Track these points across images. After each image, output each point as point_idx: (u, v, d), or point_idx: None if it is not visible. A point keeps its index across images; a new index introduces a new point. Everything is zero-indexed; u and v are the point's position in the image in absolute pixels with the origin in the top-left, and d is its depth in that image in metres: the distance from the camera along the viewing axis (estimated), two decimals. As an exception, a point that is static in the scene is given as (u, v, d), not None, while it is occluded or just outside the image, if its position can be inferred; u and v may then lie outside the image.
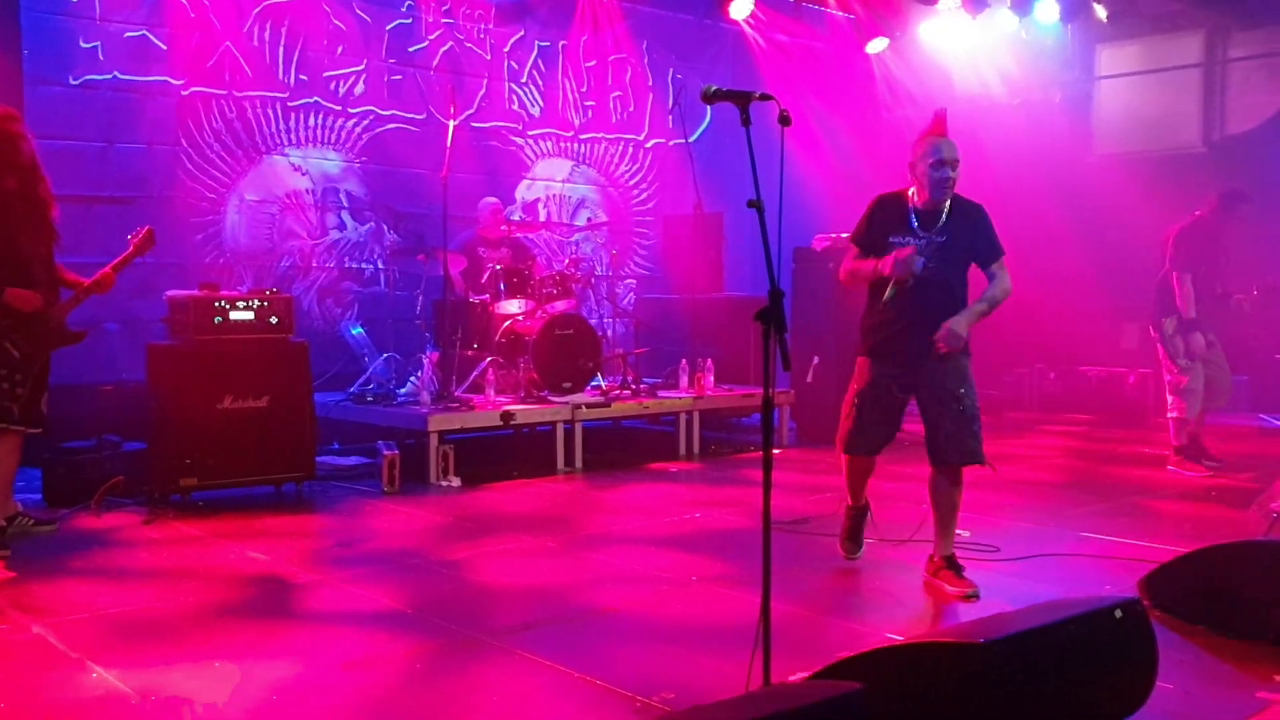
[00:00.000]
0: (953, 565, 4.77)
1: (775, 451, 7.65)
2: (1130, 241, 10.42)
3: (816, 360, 9.18)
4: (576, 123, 11.15)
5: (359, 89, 9.57)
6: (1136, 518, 6.21)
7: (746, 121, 3.21)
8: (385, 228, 9.65)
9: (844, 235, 9.32)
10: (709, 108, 9.77)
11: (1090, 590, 4.72)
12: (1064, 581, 4.89)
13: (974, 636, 2.88)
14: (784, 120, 3.19)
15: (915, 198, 4.91)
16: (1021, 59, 11.63)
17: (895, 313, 4.82)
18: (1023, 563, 5.18)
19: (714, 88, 3.32)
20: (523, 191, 10.78)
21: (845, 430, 5.03)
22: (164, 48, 8.45)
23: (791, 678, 3.25)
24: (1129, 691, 3.27)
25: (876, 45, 11.87)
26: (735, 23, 11.30)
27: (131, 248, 5.79)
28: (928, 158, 4.77)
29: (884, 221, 4.97)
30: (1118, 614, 3.22)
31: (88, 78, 8.10)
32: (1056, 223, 10.80)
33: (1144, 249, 10.08)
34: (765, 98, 3.24)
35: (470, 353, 8.21)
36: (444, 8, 10.04)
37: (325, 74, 9.38)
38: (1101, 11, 10.65)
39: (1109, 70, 11.54)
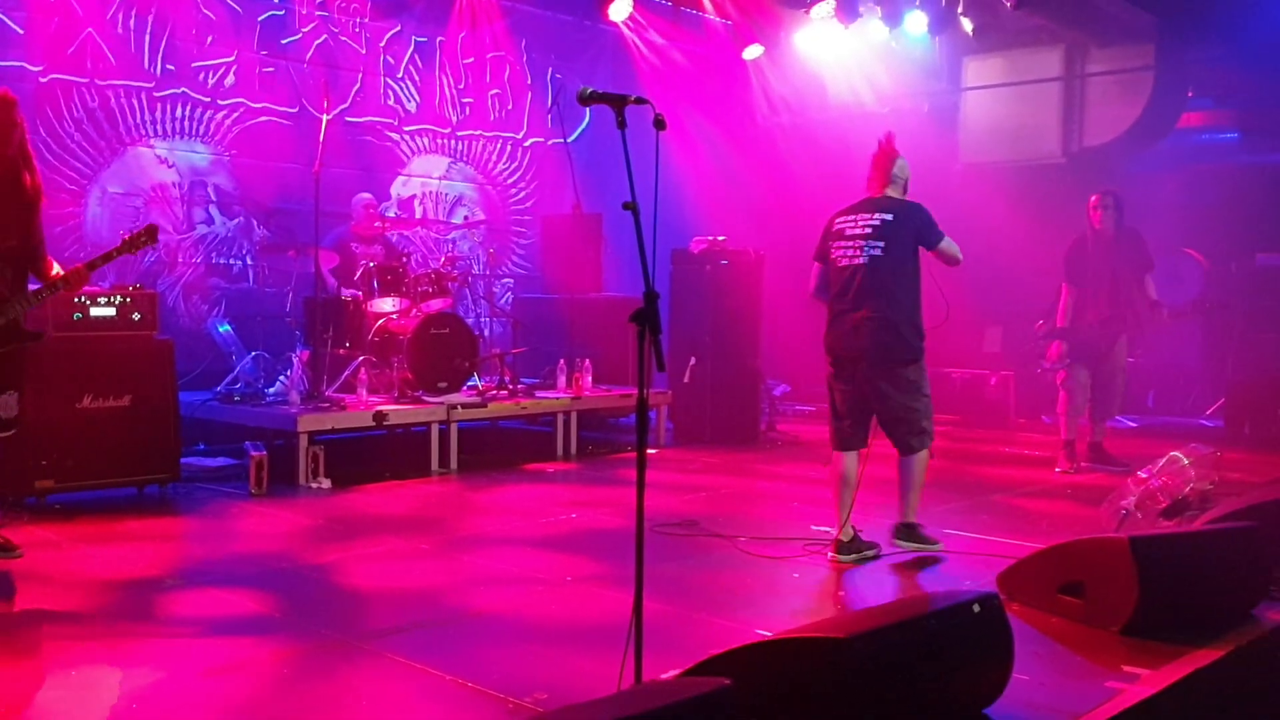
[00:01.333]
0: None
1: (652, 451, 7.74)
2: (994, 247, 10.78)
3: (694, 361, 9.28)
4: (454, 119, 11.04)
5: (229, 80, 9.32)
6: (996, 515, 6.43)
7: (622, 124, 3.23)
8: (255, 223, 9.41)
9: (720, 238, 9.49)
10: (588, 108, 9.82)
11: (951, 585, 4.89)
12: (926, 577, 5.05)
13: (836, 631, 2.96)
14: (659, 124, 3.23)
15: None
16: (892, 69, 11.93)
17: None
18: (887, 559, 5.32)
19: (590, 90, 3.33)
20: (398, 188, 10.63)
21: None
22: (20, 31, 8.10)
23: (663, 675, 3.29)
24: (986, 683, 3.40)
25: (752, 52, 12.03)
26: (615, 25, 11.33)
27: (121, 242, 5.21)
28: None
29: None
30: (975, 608, 3.35)
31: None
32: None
33: (1007, 255, 10.46)
34: (640, 101, 3.27)
35: (342, 351, 8.06)
36: (318, 0, 9.85)
37: (194, 64, 9.10)
38: (968, 25, 10.98)
39: (975, 81, 11.91)
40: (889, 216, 5.36)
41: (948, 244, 5.39)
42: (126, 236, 5.22)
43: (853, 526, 5.34)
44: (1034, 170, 11.29)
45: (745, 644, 3.11)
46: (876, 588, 4.90)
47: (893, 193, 5.49)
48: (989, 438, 9.85)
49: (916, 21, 11.01)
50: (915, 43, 11.56)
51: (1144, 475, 5.83)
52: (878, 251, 5.30)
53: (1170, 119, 11.32)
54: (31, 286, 5.15)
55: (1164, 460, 5.85)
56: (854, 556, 5.26)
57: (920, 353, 5.35)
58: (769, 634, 3.48)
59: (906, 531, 5.46)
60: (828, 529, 5.52)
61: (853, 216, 5.47)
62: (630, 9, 10.92)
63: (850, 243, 5.39)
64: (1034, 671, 3.72)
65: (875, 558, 5.33)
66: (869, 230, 5.35)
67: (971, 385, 11.01)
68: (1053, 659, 3.98)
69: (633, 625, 3.11)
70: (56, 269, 5.12)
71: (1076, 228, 8.32)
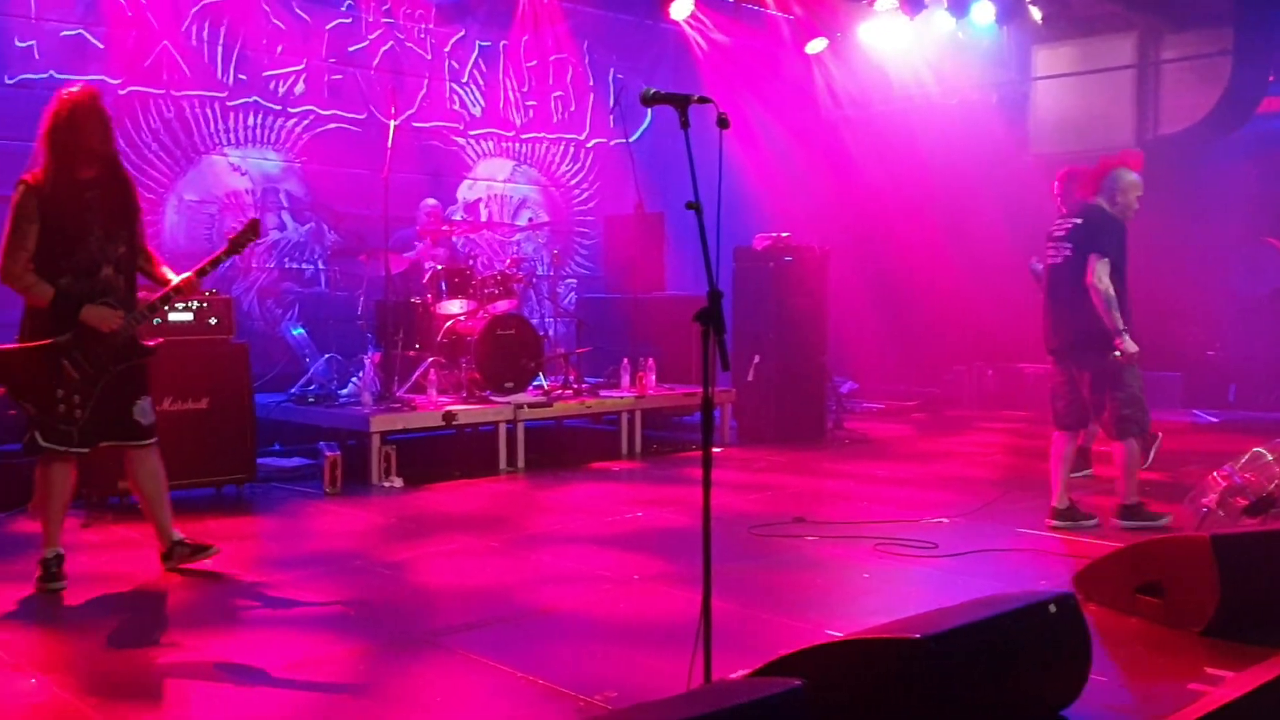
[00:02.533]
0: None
1: (716, 450, 7.72)
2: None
3: (758, 359, 9.24)
4: (518, 122, 11.12)
5: (299, 89, 9.49)
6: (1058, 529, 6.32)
7: (685, 124, 3.23)
8: (326, 228, 9.57)
9: (784, 234, 9.44)
10: (650, 108, 9.83)
11: (1026, 585, 4.81)
12: (1000, 577, 4.97)
13: (911, 632, 2.93)
14: (722, 123, 3.21)
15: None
16: (958, 60, 11.79)
17: None
18: (960, 559, 5.26)
19: (653, 91, 3.32)
20: (464, 192, 10.74)
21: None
22: (101, 46, 8.32)
23: (732, 675, 3.28)
24: (1063, 684, 3.34)
25: (815, 46, 11.96)
26: (676, 23, 11.33)
27: (227, 244, 4.89)
28: (1138, 190, 5.87)
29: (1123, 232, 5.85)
30: (1052, 608, 3.29)
31: (23, 76, 7.97)
32: (993, 221, 10.95)
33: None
34: (703, 101, 3.25)
35: (412, 353, 8.16)
36: (384, 7, 9.98)
37: (264, 73, 9.28)
38: (1036, 13, 10.82)
39: (1044, 71, 11.73)
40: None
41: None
42: (231, 237, 4.91)
43: (1068, 497, 5.92)
44: (1107, 160, 11.07)
45: (816, 644, 3.09)
46: (950, 588, 4.84)
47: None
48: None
49: (984, 11, 10.88)
50: (982, 32, 11.41)
51: (1226, 472, 5.68)
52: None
53: (1250, 105, 11.02)
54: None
55: (1247, 456, 5.69)
56: (1068, 524, 5.82)
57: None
58: (839, 634, 3.46)
59: (1126, 512, 5.87)
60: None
61: None
62: (692, 7, 10.92)
63: None
64: (1112, 673, 3.66)
65: (1093, 527, 5.85)
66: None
67: (1046, 381, 10.82)
68: (1132, 660, 3.90)
69: (701, 624, 3.11)
70: (166, 271, 4.95)
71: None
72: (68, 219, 4.56)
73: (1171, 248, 10.56)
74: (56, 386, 4.59)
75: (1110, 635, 4.06)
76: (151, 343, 4.95)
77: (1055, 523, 5.87)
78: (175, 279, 4.84)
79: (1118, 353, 5.67)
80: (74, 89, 4.70)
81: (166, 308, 5.07)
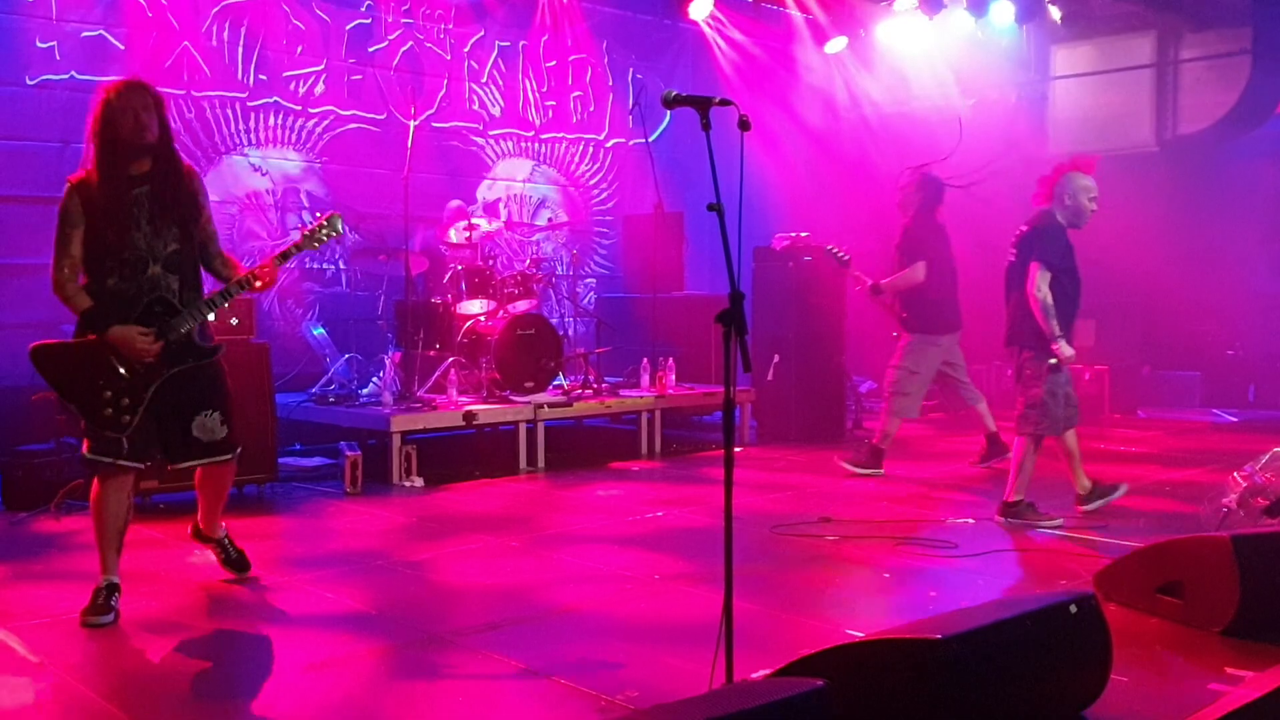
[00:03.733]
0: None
1: (737, 449, 7.73)
2: (1085, 239, 10.56)
3: (777, 359, 9.24)
4: (537, 122, 11.15)
5: (319, 89, 9.54)
6: (1091, 513, 6.31)
7: (706, 126, 3.24)
8: (346, 228, 9.59)
9: (803, 234, 9.44)
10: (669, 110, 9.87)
11: (1046, 585, 4.82)
12: (1020, 577, 4.98)
13: (932, 632, 2.94)
14: (743, 125, 3.22)
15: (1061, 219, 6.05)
16: (978, 59, 11.75)
17: None
18: (979, 559, 5.26)
19: (673, 93, 3.34)
20: (484, 191, 10.77)
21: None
22: (121, 47, 8.38)
23: (754, 675, 3.29)
24: (1084, 685, 3.35)
25: (835, 45, 11.94)
26: (695, 23, 11.34)
27: (301, 237, 4.58)
28: (1092, 194, 6.00)
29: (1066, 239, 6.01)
30: (1072, 609, 3.30)
31: (44, 77, 8.02)
32: (1013, 222, 10.90)
33: (1099, 247, 10.22)
34: (725, 103, 3.27)
35: (432, 353, 8.20)
36: (404, 8, 10.02)
37: (285, 74, 9.33)
38: (1056, 13, 10.78)
39: (1064, 70, 11.69)
40: None
41: None
42: (306, 230, 4.59)
43: (1089, 480, 6.22)
44: (1126, 160, 11.03)
45: (837, 644, 3.11)
46: (971, 587, 4.84)
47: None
48: (1083, 434, 9.57)
49: (1003, 11, 10.84)
50: (1002, 32, 11.38)
51: (1247, 472, 5.67)
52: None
53: (1269, 104, 10.96)
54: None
55: (1267, 456, 5.68)
56: (1016, 520, 5.93)
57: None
58: (860, 634, 3.47)
59: (1007, 509, 6.00)
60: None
61: None
62: (711, 6, 10.92)
63: None
64: (1133, 673, 3.66)
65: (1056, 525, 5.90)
66: None
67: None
68: (1152, 660, 3.90)
69: (723, 624, 3.12)
70: (242, 267, 4.61)
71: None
72: (111, 216, 4.27)
73: (1191, 247, 10.52)
74: (104, 387, 4.26)
75: (1131, 635, 4.05)
76: (212, 344, 4.55)
77: (1004, 518, 5.98)
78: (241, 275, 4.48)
79: (1053, 359, 5.86)
80: (111, 82, 4.40)
81: (226, 304, 4.59)
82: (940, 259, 7.59)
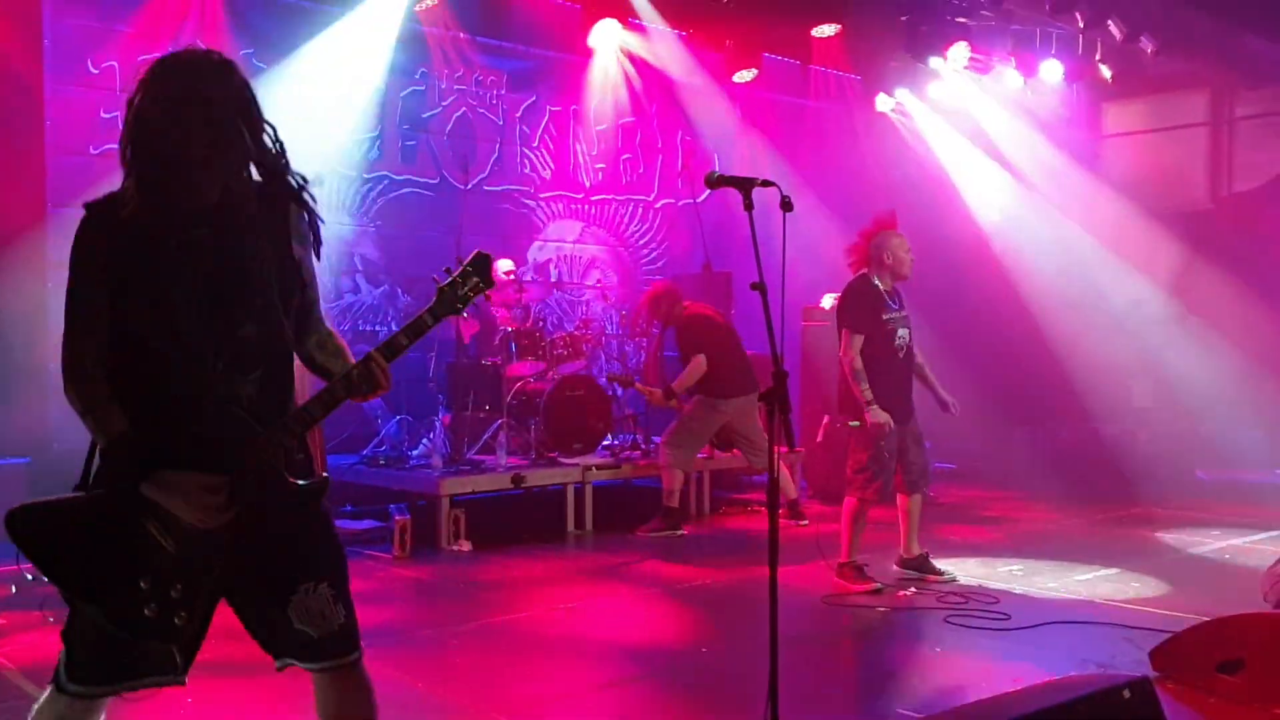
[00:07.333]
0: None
1: (802, 524, 7.71)
2: (1140, 298, 10.47)
3: (827, 419, 9.19)
4: (587, 184, 11.27)
5: (373, 154, 9.71)
6: (1148, 581, 6.18)
7: (749, 206, 3.28)
8: (399, 290, 9.74)
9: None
10: (716, 166, 9.95)
11: (1101, 660, 4.71)
12: (1074, 651, 4.87)
13: (982, 719, 2.89)
14: (786, 206, 3.25)
15: (880, 281, 6.05)
16: (1027, 117, 11.73)
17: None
18: (1033, 631, 5.16)
19: (717, 174, 3.39)
20: (534, 253, 10.88)
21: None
22: (184, 117, 8.57)
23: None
24: (1138, 772, 3.26)
25: (884, 104, 11.98)
26: (742, 84, 11.44)
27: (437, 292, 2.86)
28: (904, 246, 6.11)
29: (874, 302, 5.98)
30: (1126, 694, 3.21)
31: (107, 147, 8.25)
32: (1065, 283, 10.85)
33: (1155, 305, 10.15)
34: (767, 184, 3.30)
35: (482, 414, 8.25)
36: (457, 75, 10.21)
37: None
38: (1106, 72, 10.75)
39: (1115, 128, 11.64)
40: None
41: None
42: (443, 284, 2.87)
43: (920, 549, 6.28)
44: (1181, 218, 10.93)
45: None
46: (1022, 663, 4.74)
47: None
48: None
49: (1052, 70, 10.82)
50: (1052, 90, 11.36)
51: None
52: None
53: (1325, 161, 10.85)
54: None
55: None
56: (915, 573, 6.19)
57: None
58: (911, 714, 3.41)
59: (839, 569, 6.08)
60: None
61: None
62: (756, 73, 11.01)
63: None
64: (1191, 758, 3.56)
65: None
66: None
67: (1119, 444, 10.62)
68: (1211, 744, 3.81)
69: (769, 702, 3.10)
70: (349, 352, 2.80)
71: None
72: (149, 275, 2.46)
73: (1246, 303, 10.35)
74: (139, 572, 2.38)
75: (1187, 716, 3.95)
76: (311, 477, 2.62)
77: (903, 570, 6.22)
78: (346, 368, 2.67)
79: (855, 423, 5.92)
80: (168, 55, 2.57)
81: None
82: (712, 342, 7.94)
